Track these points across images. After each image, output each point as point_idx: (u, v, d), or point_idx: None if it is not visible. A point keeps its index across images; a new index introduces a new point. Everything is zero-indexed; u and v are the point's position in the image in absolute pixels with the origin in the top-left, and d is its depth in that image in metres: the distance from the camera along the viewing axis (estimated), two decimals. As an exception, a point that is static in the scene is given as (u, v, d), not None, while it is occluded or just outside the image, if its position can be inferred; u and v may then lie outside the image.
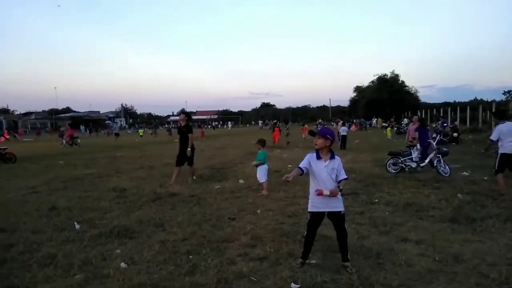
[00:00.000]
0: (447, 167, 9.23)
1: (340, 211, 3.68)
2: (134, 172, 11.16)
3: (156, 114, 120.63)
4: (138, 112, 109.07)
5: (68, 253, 4.26)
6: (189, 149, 8.74)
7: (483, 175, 8.98)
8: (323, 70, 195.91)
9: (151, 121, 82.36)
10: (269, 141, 23.22)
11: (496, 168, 7.05)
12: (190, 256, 4.07)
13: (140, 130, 38.25)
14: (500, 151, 6.95)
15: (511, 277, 3.34)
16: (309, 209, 3.77)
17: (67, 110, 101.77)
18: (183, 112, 9.59)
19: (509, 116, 8.12)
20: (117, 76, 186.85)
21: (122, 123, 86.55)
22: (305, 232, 3.86)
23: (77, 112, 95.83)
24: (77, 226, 5.34)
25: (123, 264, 3.87)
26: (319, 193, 3.54)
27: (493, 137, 7.05)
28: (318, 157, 3.67)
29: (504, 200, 6.30)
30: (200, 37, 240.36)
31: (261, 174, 7.63)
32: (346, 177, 3.71)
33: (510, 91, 30.90)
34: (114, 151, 20.07)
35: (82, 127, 63.03)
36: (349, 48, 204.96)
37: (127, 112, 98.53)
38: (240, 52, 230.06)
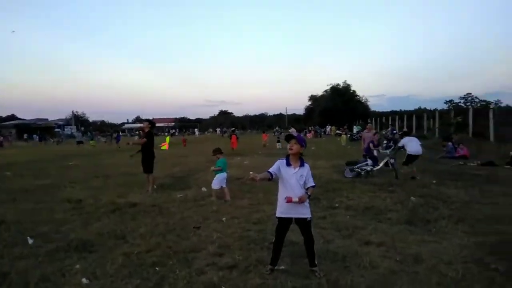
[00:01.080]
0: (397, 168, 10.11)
1: (307, 218, 3.76)
2: (89, 182, 10.67)
3: (110, 121, 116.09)
4: (91, 119, 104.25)
5: (23, 270, 3.97)
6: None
7: (431, 179, 9.58)
8: (279, 79, 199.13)
9: (106, 129, 79.03)
10: (228, 148, 23.35)
11: (405, 162, 10.45)
12: (157, 268, 3.96)
13: (91, 141, 35.15)
14: (408, 152, 10.43)
15: (467, 274, 3.58)
16: (277, 215, 3.82)
17: (12, 117, 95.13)
18: (147, 119, 9.44)
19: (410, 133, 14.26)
20: (67, 82, 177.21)
21: (73, 131, 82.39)
22: (273, 238, 3.90)
23: (23, 119, 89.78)
24: (31, 241, 5.00)
25: (84, 280, 3.68)
26: (288, 200, 3.60)
27: (400, 144, 10.87)
28: (288, 164, 3.73)
29: (453, 202, 6.76)
30: (155, 43, 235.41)
31: (217, 181, 7.59)
32: (314, 184, 3.79)
33: (451, 100, 33.17)
34: (66, 160, 19.04)
35: (35, 136, 59.16)
36: (304, 58, 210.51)
37: (78, 120, 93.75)
38: (196, 60, 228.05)
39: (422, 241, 4.68)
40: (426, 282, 3.47)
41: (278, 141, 25.98)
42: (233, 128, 31.67)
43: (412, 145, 10.39)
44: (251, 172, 3.62)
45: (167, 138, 16.02)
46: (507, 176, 9.86)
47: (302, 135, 22.05)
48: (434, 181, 9.17)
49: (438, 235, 4.90)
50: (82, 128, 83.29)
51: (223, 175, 7.67)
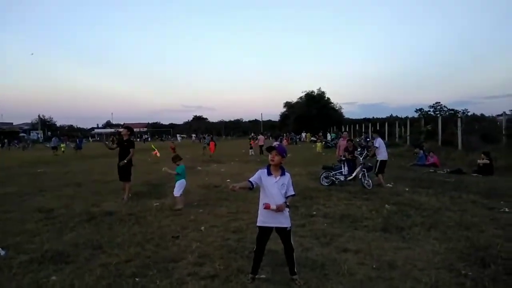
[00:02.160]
0: (369, 181, 9.89)
1: (287, 227, 3.82)
2: (60, 190, 10.34)
3: (78, 126, 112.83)
4: (58, 124, 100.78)
5: (-4, 283, 3.84)
6: (125, 161, 8.51)
7: (404, 186, 9.91)
8: (254, 85, 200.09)
9: (75, 134, 76.44)
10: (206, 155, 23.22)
11: (378, 170, 10.37)
12: (137, 279, 3.91)
13: (62, 145, 34.37)
14: (380, 158, 10.49)
15: (440, 280, 3.75)
16: (258, 224, 3.86)
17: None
18: (125, 127, 9.35)
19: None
20: (32, 85, 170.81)
21: (39, 135, 79.47)
22: (253, 247, 3.94)
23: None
24: (2, 252, 4.82)
25: (62, 292, 3.59)
26: (266, 207, 3.65)
27: (376, 144, 10.72)
28: (269, 173, 3.78)
29: (425, 209, 7.02)
30: (127, 48, 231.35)
31: (178, 188, 7.70)
32: (293, 193, 3.87)
33: (421, 109, 34.50)
34: (34, 167, 18.37)
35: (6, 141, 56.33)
36: (279, 65, 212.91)
37: (45, 124, 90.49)
38: (171, 65, 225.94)
39: (397, 248, 4.85)
40: (401, 288, 3.60)
41: (251, 148, 26.07)
42: (211, 135, 31.72)
43: (383, 150, 10.61)
44: (231, 184, 3.66)
45: (152, 145, 15.71)
46: (474, 183, 10.31)
47: (278, 142, 22.45)
48: (407, 189, 9.49)
49: (412, 242, 5.09)
50: (49, 133, 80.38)
51: (183, 182, 7.81)
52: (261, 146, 25.65)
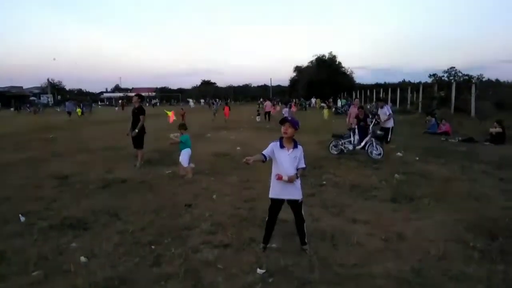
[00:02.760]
0: (379, 148, 9.65)
1: (298, 200, 3.89)
2: (74, 156, 10.55)
3: (87, 90, 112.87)
4: (67, 88, 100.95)
5: (19, 248, 4.02)
6: (136, 130, 8.60)
7: (414, 155, 9.88)
8: (263, 49, 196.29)
9: (84, 98, 76.63)
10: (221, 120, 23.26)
11: (390, 139, 10.75)
12: (153, 247, 4.06)
13: (78, 109, 34.54)
14: (390, 125, 10.77)
15: (448, 252, 3.82)
16: (270, 195, 3.93)
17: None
18: (136, 94, 9.39)
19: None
20: (41, 48, 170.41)
21: (49, 99, 79.92)
22: (264, 217, 4.04)
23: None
24: (23, 219, 5.01)
25: (83, 258, 3.75)
26: (279, 178, 3.69)
27: (390, 111, 10.93)
28: (282, 146, 3.80)
29: (435, 179, 7.05)
30: (134, 8, 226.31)
31: (184, 158, 7.72)
32: (304, 166, 3.91)
33: (435, 74, 33.58)
34: (46, 132, 18.64)
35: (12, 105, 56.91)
36: (288, 28, 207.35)
37: (54, 88, 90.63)
38: (179, 26, 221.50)
39: (406, 218, 4.92)
40: (409, 259, 3.68)
41: (258, 114, 25.92)
42: (226, 100, 32.01)
43: (391, 117, 10.86)
44: (245, 157, 3.68)
45: (166, 111, 15.53)
46: (486, 153, 10.23)
47: (287, 108, 22.31)
48: (417, 158, 9.47)
49: (421, 213, 5.15)
50: (59, 97, 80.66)
51: (188, 150, 7.83)
52: (267, 113, 25.56)
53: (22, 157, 10.47)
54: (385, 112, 10.75)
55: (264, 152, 3.80)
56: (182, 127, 8.13)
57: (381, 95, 37.17)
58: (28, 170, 8.59)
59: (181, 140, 7.84)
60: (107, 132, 18.27)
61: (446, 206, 5.41)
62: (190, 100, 70.25)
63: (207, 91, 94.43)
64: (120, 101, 64.13)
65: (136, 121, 8.72)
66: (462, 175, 7.51)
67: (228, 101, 29.77)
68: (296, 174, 3.79)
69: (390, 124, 10.67)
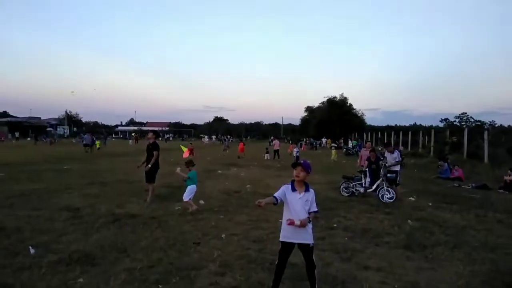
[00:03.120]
0: (391, 191, 9.49)
1: (310, 244, 3.84)
2: (86, 189, 10.66)
3: (103, 123, 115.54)
4: (84, 120, 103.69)
5: (27, 282, 4.00)
6: (149, 165, 8.77)
7: (427, 201, 9.72)
8: (275, 89, 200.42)
9: (99, 130, 78.27)
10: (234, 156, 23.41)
11: (399, 181, 10.52)
12: (160, 286, 4.00)
13: (97, 142, 34.80)
14: (398, 168, 10.65)
15: (464, 305, 3.68)
16: (281, 239, 3.89)
17: (4, 114, 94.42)
18: (151, 131, 9.73)
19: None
20: (61, 81, 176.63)
21: (65, 130, 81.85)
22: (273, 259, 3.97)
23: (16, 117, 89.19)
24: (32, 251, 5.01)
25: (89, 296, 3.72)
26: (291, 223, 3.67)
27: (399, 159, 11.01)
28: (293, 189, 3.81)
29: (449, 227, 6.89)
30: (151, 47, 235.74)
31: (188, 193, 7.87)
32: (316, 209, 3.89)
33: (447, 119, 33.83)
34: (61, 163, 18.96)
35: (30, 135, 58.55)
36: (301, 69, 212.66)
37: (71, 120, 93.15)
38: (194, 65, 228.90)
39: (419, 268, 4.77)
40: (424, 312, 3.55)
41: (267, 152, 26.02)
42: (242, 138, 32.84)
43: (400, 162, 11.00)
44: (257, 200, 3.70)
45: (182, 146, 15.83)
46: (500, 201, 10.03)
47: (298, 147, 22.46)
48: (430, 204, 9.31)
49: (435, 262, 5.00)
50: (75, 129, 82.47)
51: (193, 187, 7.97)
52: (276, 151, 25.75)
53: (36, 187, 10.61)
54: (395, 157, 10.68)
55: (276, 194, 3.82)
56: (190, 163, 8.28)
57: (392, 138, 37.18)
58: (41, 201, 8.68)
59: (189, 176, 7.95)
60: (120, 165, 18.50)
61: (461, 256, 5.25)
62: (206, 136, 70.31)
63: (219, 127, 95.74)
64: (133, 134, 65.35)
65: (150, 156, 8.91)
66: (477, 223, 7.33)
67: (243, 138, 30.68)
68: (308, 217, 3.77)
69: (397, 168, 10.62)
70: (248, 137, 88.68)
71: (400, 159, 11.08)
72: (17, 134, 62.88)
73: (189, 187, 7.92)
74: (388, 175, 10.21)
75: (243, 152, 26.29)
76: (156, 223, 6.83)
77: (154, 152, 8.87)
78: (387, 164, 10.49)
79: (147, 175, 8.89)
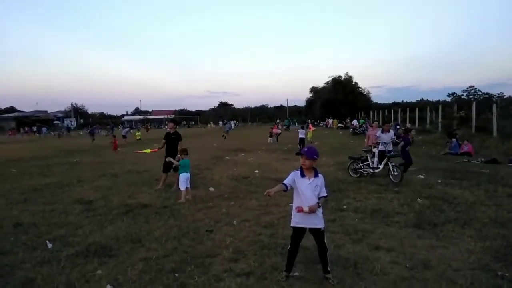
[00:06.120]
0: (396, 171, 9.36)
1: (321, 228, 3.89)
2: (97, 181, 10.80)
3: (109, 113, 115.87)
4: (90, 111, 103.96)
5: (48, 276, 4.12)
6: (176, 157, 8.73)
7: (436, 178, 9.71)
8: (279, 70, 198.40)
9: (105, 121, 78.60)
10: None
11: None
12: (176, 274, 4.10)
13: (137, 133, 34.17)
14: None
15: (476, 282, 3.73)
16: (292, 224, 3.95)
17: (11, 109, 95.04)
18: (171, 120, 10.02)
19: None
20: (65, 74, 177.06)
21: (72, 123, 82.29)
22: (285, 244, 4.04)
23: (23, 111, 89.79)
24: (50, 245, 5.15)
25: (109, 287, 3.83)
26: (299, 210, 3.73)
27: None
28: (302, 175, 3.85)
29: (459, 204, 6.91)
30: (154, 35, 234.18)
31: (181, 181, 7.91)
32: (326, 194, 3.93)
33: (454, 93, 33.34)
34: (70, 156, 19.18)
35: (44, 128, 58.88)
36: (304, 48, 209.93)
37: (77, 112, 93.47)
38: (195, 50, 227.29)
39: (430, 246, 4.83)
40: (436, 290, 3.61)
41: (270, 135, 25.98)
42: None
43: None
44: (267, 190, 3.76)
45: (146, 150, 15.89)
46: (510, 175, 9.98)
47: (305, 128, 22.40)
48: (439, 181, 9.30)
49: (446, 240, 5.05)
50: (81, 121, 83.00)
51: (186, 175, 7.99)
52: (276, 135, 26.07)
53: (48, 181, 10.77)
54: (391, 136, 10.84)
55: (285, 181, 3.87)
56: (183, 152, 8.35)
57: (399, 114, 36.87)
58: (54, 195, 8.83)
59: (180, 164, 8.04)
60: (129, 155, 18.63)
61: (471, 233, 5.29)
62: (211, 122, 71.47)
63: (224, 112, 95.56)
64: (145, 125, 65.88)
65: (173, 145, 9.05)
66: (487, 199, 7.33)
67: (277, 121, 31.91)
68: (318, 203, 3.82)
69: (390, 147, 10.78)
70: (255, 122, 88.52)
71: (395, 137, 11.13)
72: (26, 129, 63.41)
73: (181, 176, 7.96)
74: (394, 153, 10.23)
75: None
76: (168, 212, 6.94)
77: (179, 143, 9.05)
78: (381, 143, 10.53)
79: (166, 165, 9.01)
